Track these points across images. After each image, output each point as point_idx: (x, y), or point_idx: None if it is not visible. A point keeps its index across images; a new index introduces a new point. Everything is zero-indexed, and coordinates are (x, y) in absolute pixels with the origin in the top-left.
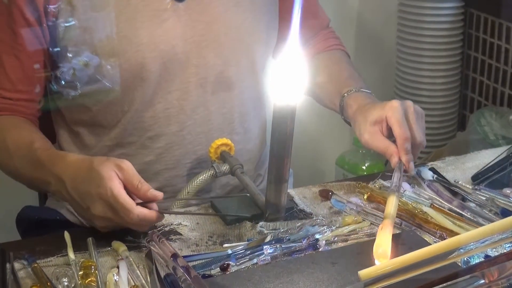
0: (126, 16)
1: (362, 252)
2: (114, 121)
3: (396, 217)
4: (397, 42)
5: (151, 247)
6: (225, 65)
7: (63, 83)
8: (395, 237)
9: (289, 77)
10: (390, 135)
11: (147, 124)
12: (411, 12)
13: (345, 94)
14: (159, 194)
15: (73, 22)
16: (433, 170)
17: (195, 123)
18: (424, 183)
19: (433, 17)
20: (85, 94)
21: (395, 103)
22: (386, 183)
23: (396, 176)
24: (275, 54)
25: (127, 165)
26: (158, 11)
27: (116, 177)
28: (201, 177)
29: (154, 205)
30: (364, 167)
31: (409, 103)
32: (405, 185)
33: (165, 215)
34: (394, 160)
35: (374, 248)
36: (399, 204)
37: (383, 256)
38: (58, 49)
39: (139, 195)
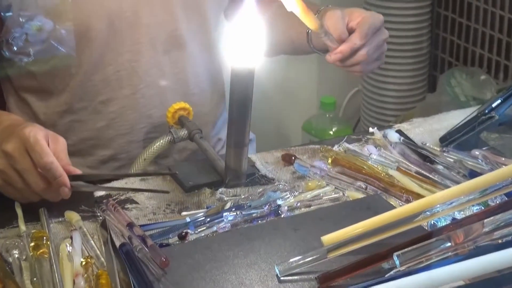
0: None
1: (325, 217)
2: (62, 86)
3: (362, 180)
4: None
5: (106, 216)
6: (176, 22)
7: (15, 48)
8: (360, 201)
9: (246, 38)
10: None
11: (98, 88)
12: None
13: (316, 13)
14: (78, 171)
15: None
16: (399, 132)
17: (148, 85)
18: (391, 145)
19: None
20: (34, 59)
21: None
22: (351, 147)
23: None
24: (227, 14)
25: (62, 139)
26: None
27: (45, 137)
28: (158, 143)
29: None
30: (331, 132)
31: (380, 19)
32: (371, 148)
33: (121, 183)
34: (341, 37)
35: None
36: (364, 168)
37: None
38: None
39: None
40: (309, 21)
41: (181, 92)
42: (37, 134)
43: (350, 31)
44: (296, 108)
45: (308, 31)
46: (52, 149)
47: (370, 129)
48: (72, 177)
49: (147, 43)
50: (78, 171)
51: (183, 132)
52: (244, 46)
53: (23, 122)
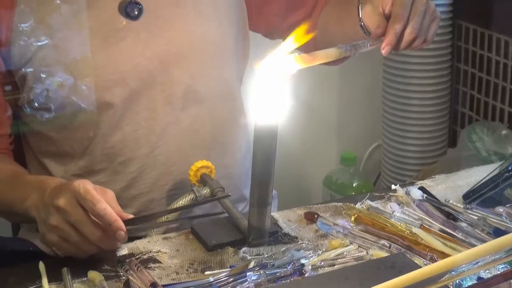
0: (82, 38)
1: (350, 277)
2: (80, 149)
3: (385, 238)
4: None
5: (129, 276)
6: (192, 79)
7: (36, 105)
8: (384, 260)
9: (269, 95)
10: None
11: (117, 149)
12: None
13: (358, 5)
14: (131, 215)
15: (45, 42)
16: (422, 189)
17: (166, 142)
18: (414, 203)
19: None
20: (50, 119)
21: None
22: (374, 204)
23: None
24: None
25: (110, 190)
26: (112, 31)
27: (94, 187)
28: (181, 201)
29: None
30: (352, 187)
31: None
32: (394, 206)
33: (144, 243)
34: (376, 32)
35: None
36: (387, 226)
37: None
38: (31, 69)
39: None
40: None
41: (201, 147)
42: (86, 184)
43: (389, 17)
44: (317, 163)
45: (361, 23)
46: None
47: (393, 186)
48: (126, 222)
49: (163, 100)
50: (130, 216)
51: (206, 190)
52: (269, 101)
53: (70, 180)
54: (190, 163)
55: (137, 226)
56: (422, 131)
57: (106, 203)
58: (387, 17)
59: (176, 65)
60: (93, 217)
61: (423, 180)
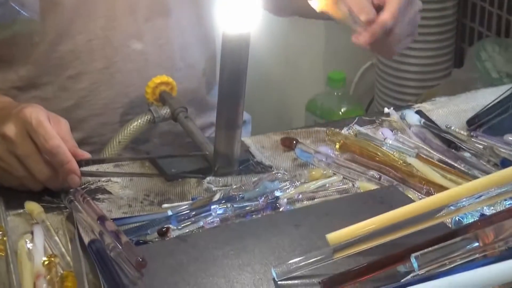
0: None
1: (332, 212)
2: (22, 56)
3: (375, 169)
4: None
5: (73, 209)
6: None
7: None
8: (372, 194)
9: None
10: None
11: (66, 60)
12: None
13: None
14: (88, 154)
15: None
16: (420, 113)
17: (125, 58)
18: (409, 128)
19: None
20: None
21: None
22: (363, 130)
23: None
24: None
25: (64, 120)
26: None
27: (48, 119)
28: (136, 123)
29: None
30: (340, 113)
31: None
32: (386, 132)
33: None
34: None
35: None
36: (377, 154)
37: None
38: None
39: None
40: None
41: (165, 66)
42: (40, 115)
43: (377, 7)
44: (299, 84)
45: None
46: (55, 131)
47: (386, 110)
48: (79, 162)
49: (125, 7)
50: (87, 155)
51: (165, 111)
52: (238, 5)
53: (19, 104)
54: (149, 82)
55: (91, 171)
56: (424, 48)
57: (61, 135)
58: (375, 8)
59: None
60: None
61: (421, 103)
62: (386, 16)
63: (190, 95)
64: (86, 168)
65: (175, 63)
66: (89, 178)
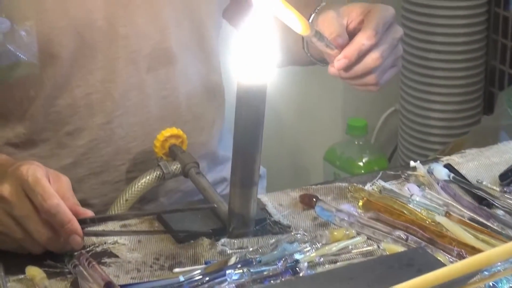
0: None
1: (356, 276)
2: (18, 112)
3: (401, 229)
4: None
5: (78, 274)
6: (163, 32)
7: None
8: (399, 256)
9: (256, 46)
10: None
11: (64, 115)
12: None
13: (312, 13)
14: (90, 212)
15: None
16: (449, 167)
17: (127, 112)
18: (438, 184)
19: None
20: None
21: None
22: (388, 185)
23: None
24: (228, 15)
25: (65, 177)
26: None
27: (46, 176)
28: (144, 179)
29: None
30: (361, 164)
31: (390, 12)
32: (413, 188)
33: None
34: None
35: None
36: (403, 213)
37: None
38: None
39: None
40: (295, 21)
41: (171, 119)
42: (37, 172)
43: (352, 34)
44: (317, 133)
45: (306, 42)
46: (54, 189)
47: (412, 163)
48: (82, 221)
49: (125, 58)
50: (89, 213)
51: (175, 166)
52: (254, 56)
53: (16, 161)
54: (155, 139)
55: (96, 230)
56: (450, 93)
57: (61, 192)
58: (350, 35)
59: (142, 14)
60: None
61: (450, 155)
62: (361, 36)
63: (200, 149)
64: (90, 228)
65: (181, 115)
66: (95, 240)
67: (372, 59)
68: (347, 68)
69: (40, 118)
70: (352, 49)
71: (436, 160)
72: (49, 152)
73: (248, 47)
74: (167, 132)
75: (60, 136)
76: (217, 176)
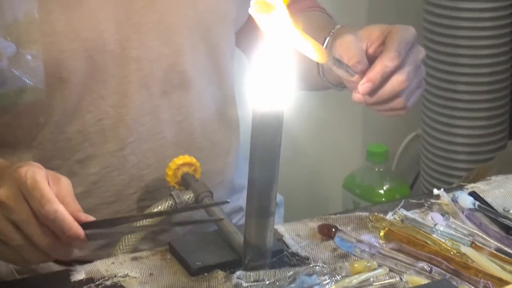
0: None
1: None
2: (27, 139)
3: (425, 260)
4: (424, 9)
5: None
6: (177, 54)
7: None
8: None
9: (272, 72)
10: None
11: (74, 143)
12: None
13: (327, 36)
14: (92, 218)
15: None
16: (474, 195)
17: (140, 138)
18: (462, 213)
19: None
20: None
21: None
22: (410, 215)
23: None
24: (241, 43)
25: (65, 179)
26: None
27: (46, 179)
28: (156, 210)
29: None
30: (381, 191)
31: (412, 32)
32: (436, 217)
33: (107, 264)
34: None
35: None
36: (427, 243)
37: None
38: None
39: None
40: (312, 50)
41: (185, 146)
42: (36, 174)
43: (373, 58)
44: (335, 159)
45: (320, 67)
46: (54, 192)
47: (435, 191)
48: (84, 226)
49: (138, 82)
50: (91, 218)
51: (189, 195)
52: (270, 82)
53: (14, 163)
54: (170, 163)
55: (101, 231)
56: (475, 117)
57: (61, 197)
58: (370, 59)
59: (155, 36)
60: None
61: (475, 182)
62: (384, 58)
63: (216, 177)
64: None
65: (196, 142)
66: (104, 274)
67: (398, 81)
68: (372, 92)
69: (49, 145)
70: (375, 72)
71: (460, 187)
72: None
73: (264, 73)
74: (180, 160)
75: (70, 165)
76: (233, 205)
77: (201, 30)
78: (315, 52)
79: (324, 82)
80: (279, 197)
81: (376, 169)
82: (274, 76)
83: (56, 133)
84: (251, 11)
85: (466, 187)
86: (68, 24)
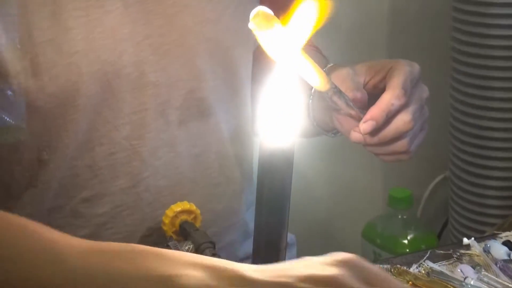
0: (51, 9)
1: None
2: (26, 177)
3: None
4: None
5: None
6: (197, 79)
7: None
8: None
9: (282, 107)
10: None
11: (81, 180)
12: None
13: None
14: None
15: None
16: (509, 244)
17: (155, 173)
18: (496, 265)
19: None
20: None
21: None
22: (437, 267)
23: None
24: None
25: None
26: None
27: None
28: None
29: None
30: (406, 241)
31: (417, 68)
32: (467, 269)
33: None
34: (355, 95)
35: None
36: None
37: None
38: None
39: None
40: (314, 75)
41: (202, 182)
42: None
43: (372, 95)
44: (354, 204)
45: (310, 100)
46: None
47: (465, 240)
48: None
49: (155, 110)
50: None
51: (188, 247)
52: (279, 116)
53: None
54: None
55: None
56: (510, 158)
57: None
58: (368, 95)
59: (175, 59)
60: None
61: (510, 231)
62: (389, 95)
63: (231, 217)
64: None
65: (212, 177)
66: None
67: (403, 121)
68: (373, 132)
69: (52, 184)
70: (379, 110)
71: (493, 236)
72: (61, 222)
73: (272, 107)
74: (177, 206)
75: (74, 204)
76: (248, 250)
77: (220, 51)
78: (317, 76)
79: (314, 127)
80: (291, 237)
81: (399, 216)
82: (283, 109)
83: (61, 170)
84: (250, 25)
85: (500, 235)
86: (89, 42)
